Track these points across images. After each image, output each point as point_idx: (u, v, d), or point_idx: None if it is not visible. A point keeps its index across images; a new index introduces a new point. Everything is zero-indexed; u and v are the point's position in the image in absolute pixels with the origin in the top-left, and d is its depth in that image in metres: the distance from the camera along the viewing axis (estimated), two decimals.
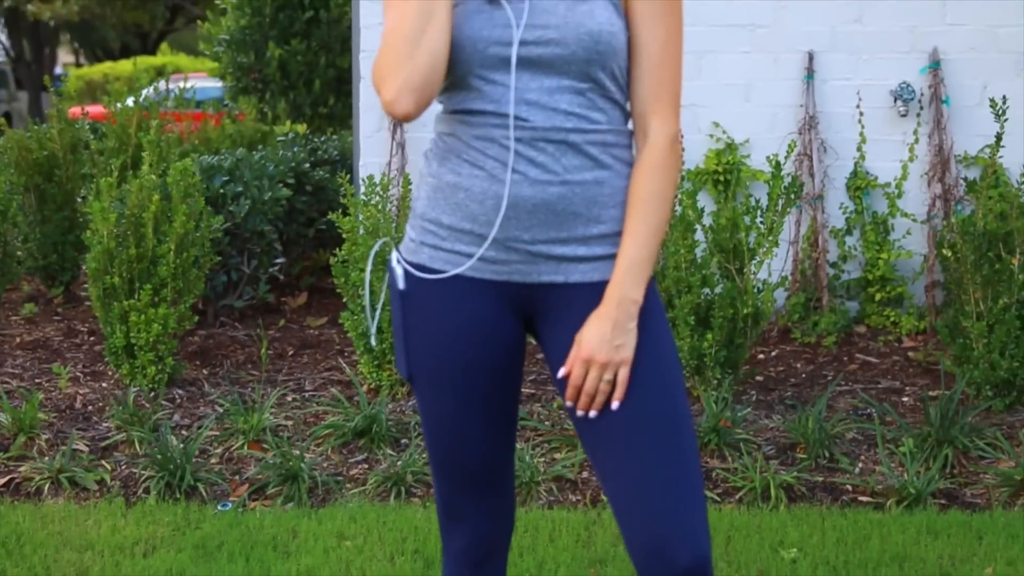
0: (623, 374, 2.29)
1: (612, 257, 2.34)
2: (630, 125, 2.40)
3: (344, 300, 5.47)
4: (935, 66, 6.59)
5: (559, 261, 2.33)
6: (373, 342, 2.54)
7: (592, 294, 2.33)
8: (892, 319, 6.51)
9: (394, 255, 2.44)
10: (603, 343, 2.28)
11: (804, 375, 5.80)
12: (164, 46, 33.11)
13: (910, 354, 6.09)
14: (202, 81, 17.36)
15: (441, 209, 2.35)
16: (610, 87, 2.33)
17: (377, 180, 5.54)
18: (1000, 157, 5.65)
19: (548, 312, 2.38)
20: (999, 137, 5.38)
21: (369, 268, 2.53)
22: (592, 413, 2.31)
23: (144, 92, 8.15)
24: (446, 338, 2.38)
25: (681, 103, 2.39)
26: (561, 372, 2.33)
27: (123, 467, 4.66)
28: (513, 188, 2.29)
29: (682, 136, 2.35)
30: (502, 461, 2.52)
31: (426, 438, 2.49)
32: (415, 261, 2.38)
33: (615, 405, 2.29)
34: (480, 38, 2.29)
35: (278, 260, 7.02)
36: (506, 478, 2.55)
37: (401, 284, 2.40)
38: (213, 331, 6.51)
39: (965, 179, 6.48)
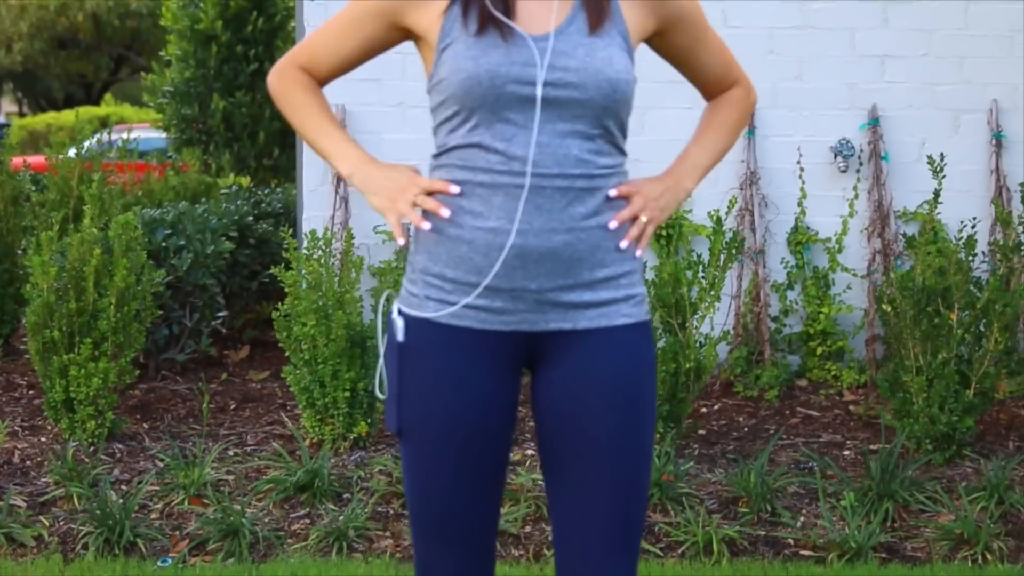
0: (649, 230, 2.41)
1: (618, 301, 2.36)
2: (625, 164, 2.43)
3: (287, 354, 5.45)
4: (874, 123, 6.67)
5: (566, 308, 2.34)
6: (379, 393, 2.50)
7: (598, 339, 2.35)
8: (833, 373, 6.56)
9: (395, 308, 2.40)
10: (656, 197, 2.43)
11: (746, 429, 5.83)
12: (108, 96, 32.95)
13: (851, 408, 6.13)
14: (146, 132, 17.31)
15: (444, 263, 2.33)
16: (616, 134, 2.36)
17: (320, 234, 5.54)
18: (938, 213, 5.72)
19: (552, 354, 2.38)
20: (937, 194, 5.45)
21: (379, 322, 2.50)
22: (639, 250, 2.41)
23: (87, 143, 8.12)
24: (443, 393, 2.35)
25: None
26: (613, 222, 2.36)
27: (61, 523, 4.61)
28: (519, 239, 2.28)
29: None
30: (486, 524, 2.46)
31: (408, 496, 2.45)
32: (420, 315, 2.35)
33: (638, 252, 2.41)
34: (498, 74, 2.27)
35: (220, 313, 6.98)
36: (489, 543, 2.48)
37: (400, 336, 2.37)
38: (154, 385, 6.46)
39: (904, 235, 6.55)
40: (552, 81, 2.28)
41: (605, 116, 2.31)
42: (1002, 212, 5.82)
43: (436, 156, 2.39)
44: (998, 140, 6.66)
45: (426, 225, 2.32)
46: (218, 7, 10.93)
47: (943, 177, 5.35)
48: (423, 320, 2.35)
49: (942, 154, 5.35)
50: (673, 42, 2.50)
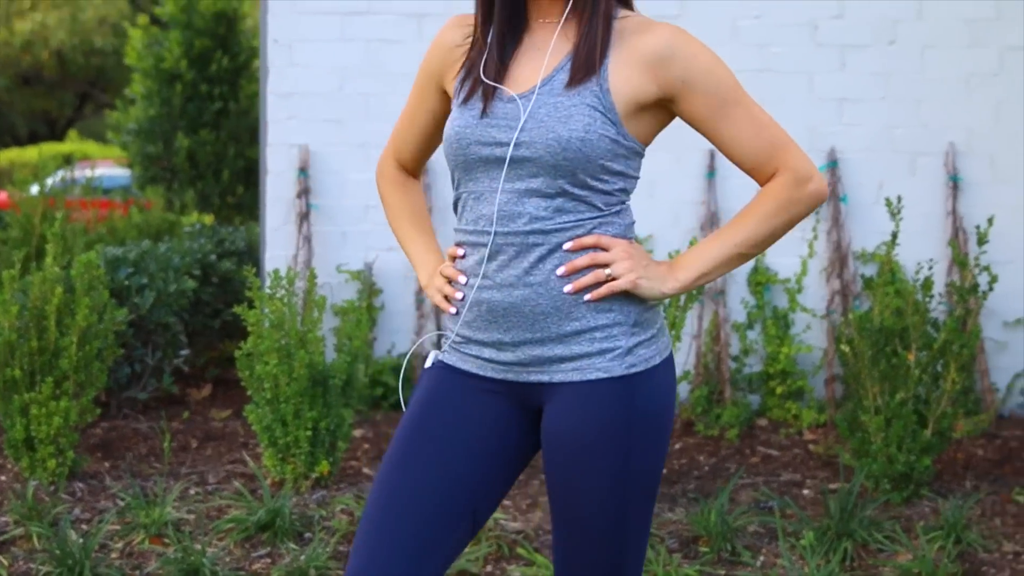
0: (609, 287, 2.34)
1: (592, 355, 2.36)
2: (619, 208, 2.41)
3: (249, 393, 5.45)
4: (833, 165, 6.75)
5: (541, 361, 2.39)
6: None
7: (574, 393, 2.38)
8: (793, 412, 6.61)
9: (433, 354, 2.56)
10: (638, 261, 2.37)
11: (707, 468, 5.86)
12: (73, 133, 32.86)
13: (811, 447, 6.17)
14: (110, 169, 17.29)
15: (451, 319, 2.49)
16: (580, 193, 2.34)
17: (283, 273, 5.55)
18: (896, 255, 5.78)
19: (542, 404, 2.43)
20: (894, 235, 5.51)
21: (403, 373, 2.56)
22: (566, 287, 2.35)
23: (50, 180, 8.12)
24: (454, 394, 2.47)
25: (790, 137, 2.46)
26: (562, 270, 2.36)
27: (20, 562, 4.59)
28: (484, 293, 2.39)
29: (814, 174, 2.46)
30: (438, 549, 2.42)
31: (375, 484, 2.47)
32: (439, 358, 2.53)
33: (587, 297, 2.35)
34: (464, 135, 2.38)
35: (183, 352, 6.98)
36: (435, 541, 2.42)
37: (428, 364, 2.54)
38: (116, 423, 6.45)
39: (863, 276, 6.62)
40: (508, 140, 2.33)
41: (558, 174, 2.31)
42: (959, 254, 5.89)
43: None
44: (955, 183, 6.75)
45: (452, 309, 2.47)
46: (183, 46, 10.98)
47: (900, 219, 5.42)
48: (441, 362, 2.52)
49: (899, 196, 5.42)
50: (688, 112, 2.38)
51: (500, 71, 2.40)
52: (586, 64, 2.33)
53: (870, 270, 6.73)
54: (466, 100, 2.40)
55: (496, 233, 2.35)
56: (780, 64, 6.79)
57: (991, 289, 5.39)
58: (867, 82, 6.80)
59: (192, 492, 5.35)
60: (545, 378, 2.39)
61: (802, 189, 2.41)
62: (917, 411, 5.29)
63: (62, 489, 5.29)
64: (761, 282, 6.78)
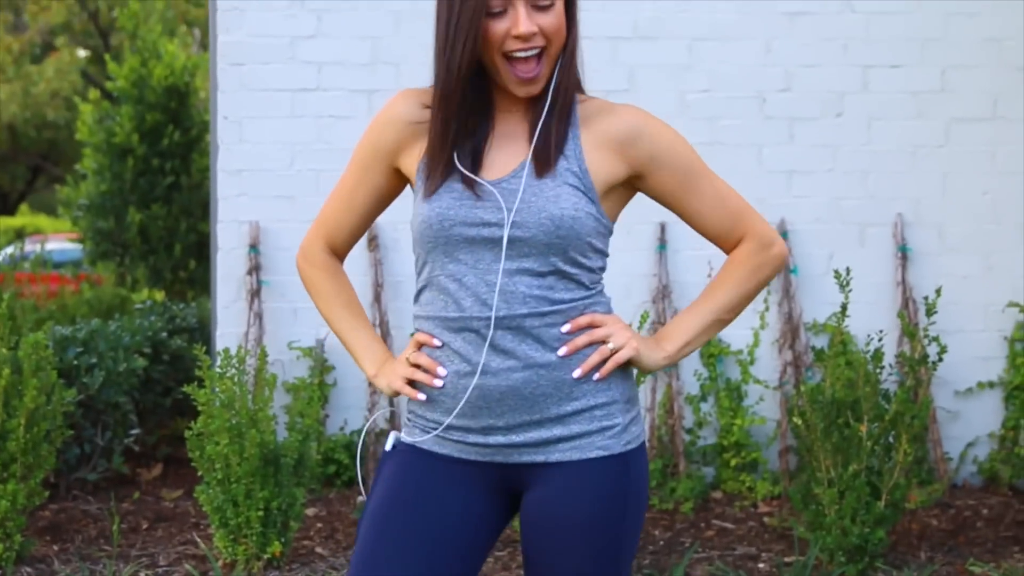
0: (615, 359, 2.37)
1: (592, 433, 2.37)
2: (600, 287, 2.45)
3: (199, 473, 5.39)
4: (783, 236, 6.79)
5: (537, 443, 2.37)
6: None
7: (573, 472, 2.37)
8: (748, 484, 6.60)
9: (393, 435, 2.50)
10: (628, 331, 2.41)
11: (662, 542, 5.84)
12: (24, 207, 32.74)
13: (765, 519, 6.16)
14: (61, 243, 17.21)
15: (424, 405, 2.44)
16: (570, 270, 2.37)
17: (234, 351, 5.51)
18: (846, 326, 5.81)
19: (529, 483, 2.41)
20: (844, 307, 5.53)
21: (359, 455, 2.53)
22: (575, 372, 2.36)
23: (1, 256, 8.06)
24: (416, 480, 2.43)
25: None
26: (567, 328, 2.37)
27: None
28: (479, 379, 2.34)
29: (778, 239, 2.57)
30: None
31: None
32: (408, 440, 2.46)
33: (596, 376, 2.37)
34: (447, 216, 2.35)
35: (133, 431, 6.91)
36: None
37: (388, 447, 2.48)
38: (65, 505, 6.37)
39: (814, 347, 6.64)
40: (497, 221, 2.33)
41: (551, 253, 2.34)
42: (908, 325, 5.93)
43: (415, 299, 2.50)
44: (903, 253, 6.80)
45: (421, 396, 2.43)
46: (134, 121, 10.98)
47: (850, 291, 5.44)
48: (409, 444, 2.46)
49: (848, 268, 5.45)
50: (655, 187, 2.46)
51: (475, 158, 2.39)
52: (558, 154, 2.38)
53: (822, 341, 6.76)
54: (440, 184, 2.38)
55: (495, 318, 2.33)
56: (729, 137, 6.84)
57: (940, 359, 5.41)
58: (815, 154, 6.86)
59: (142, 575, 5.28)
60: (540, 458, 2.38)
61: (767, 253, 2.52)
62: (870, 483, 5.30)
63: (10, 574, 5.21)
64: (714, 354, 6.80)
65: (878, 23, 6.85)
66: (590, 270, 2.40)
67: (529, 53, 2.34)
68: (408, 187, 2.57)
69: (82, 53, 25.99)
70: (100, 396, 6.41)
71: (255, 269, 6.78)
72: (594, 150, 2.41)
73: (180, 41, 18.13)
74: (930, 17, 6.86)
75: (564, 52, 2.41)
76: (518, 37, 2.33)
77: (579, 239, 2.35)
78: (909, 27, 6.85)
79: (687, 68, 6.84)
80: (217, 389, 5.42)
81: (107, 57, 12.55)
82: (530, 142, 2.40)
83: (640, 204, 2.57)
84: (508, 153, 2.40)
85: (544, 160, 2.36)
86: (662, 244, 6.79)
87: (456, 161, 2.38)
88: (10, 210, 33.00)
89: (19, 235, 23.28)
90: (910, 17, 6.85)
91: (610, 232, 2.45)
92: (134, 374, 6.73)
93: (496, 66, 2.37)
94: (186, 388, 5.51)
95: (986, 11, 6.86)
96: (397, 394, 2.49)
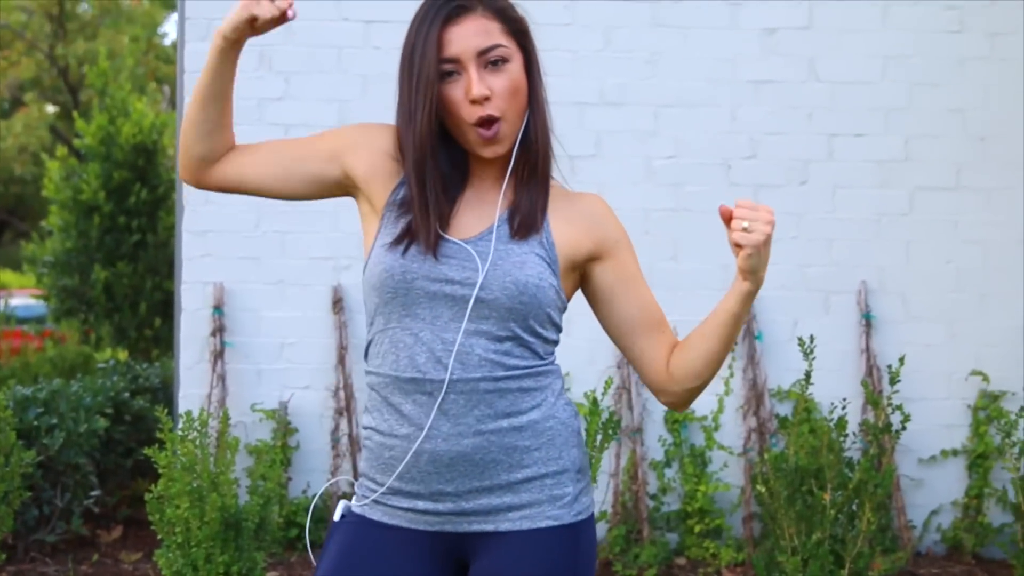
0: (737, 235, 2.32)
1: (542, 503, 2.34)
2: (554, 358, 2.42)
3: (159, 537, 5.33)
4: None
5: (487, 511, 2.33)
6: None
7: (522, 541, 2.33)
8: (712, 551, 6.58)
9: (342, 505, 2.45)
10: (766, 232, 2.34)
11: None
12: None
13: None
14: (25, 300, 17.12)
15: (375, 468, 2.39)
16: (528, 339, 2.34)
17: (196, 413, 5.47)
18: (810, 393, 5.81)
19: (479, 552, 2.37)
20: (808, 374, 5.54)
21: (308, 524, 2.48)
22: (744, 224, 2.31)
23: None
24: (373, 557, 2.38)
25: None
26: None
27: None
28: (428, 443, 2.31)
29: None
30: None
31: None
32: (355, 511, 2.42)
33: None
34: (410, 269, 2.32)
35: (93, 492, 6.84)
36: None
37: (337, 516, 2.43)
38: (22, 567, 6.29)
39: (778, 415, 6.65)
40: (461, 279, 2.31)
41: (511, 318, 2.32)
42: (871, 394, 5.93)
43: (364, 357, 2.45)
44: (867, 320, 6.83)
45: (291, 12, 2.31)
46: (101, 178, 10.96)
47: (813, 358, 5.45)
48: (359, 516, 2.41)
49: (812, 336, 5.46)
50: (613, 269, 2.45)
51: (445, 216, 2.37)
52: (530, 221, 2.37)
53: (786, 407, 6.76)
54: (403, 237, 2.34)
55: (449, 380, 2.30)
56: (695, 203, 6.87)
57: (904, 428, 5.42)
58: (780, 221, 6.88)
59: None
60: (490, 527, 2.34)
61: None
62: (834, 551, 5.28)
63: None
64: (678, 420, 6.79)
65: (843, 92, 6.92)
66: (545, 341, 2.38)
67: (488, 129, 2.34)
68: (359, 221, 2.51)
69: (51, 108, 25.97)
70: (60, 457, 6.35)
71: (219, 330, 6.75)
72: (563, 224, 2.41)
73: (150, 98, 18.17)
74: (894, 87, 6.93)
75: (531, 112, 2.41)
76: (473, 101, 2.33)
77: (540, 308, 2.33)
78: (873, 97, 6.91)
79: (653, 134, 6.88)
80: (179, 452, 5.38)
81: (75, 115, 12.55)
82: (503, 207, 2.40)
83: None
84: (477, 215, 2.39)
85: (516, 226, 2.36)
86: None
87: (437, 226, 2.35)
88: None
89: None
90: (874, 87, 6.92)
91: (565, 308, 2.43)
92: (95, 435, 6.68)
93: (460, 129, 2.37)
94: (147, 451, 5.45)
95: (949, 82, 6.93)
96: (250, 21, 2.31)
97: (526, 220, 2.38)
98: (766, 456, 5.44)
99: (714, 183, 6.88)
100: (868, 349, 6.82)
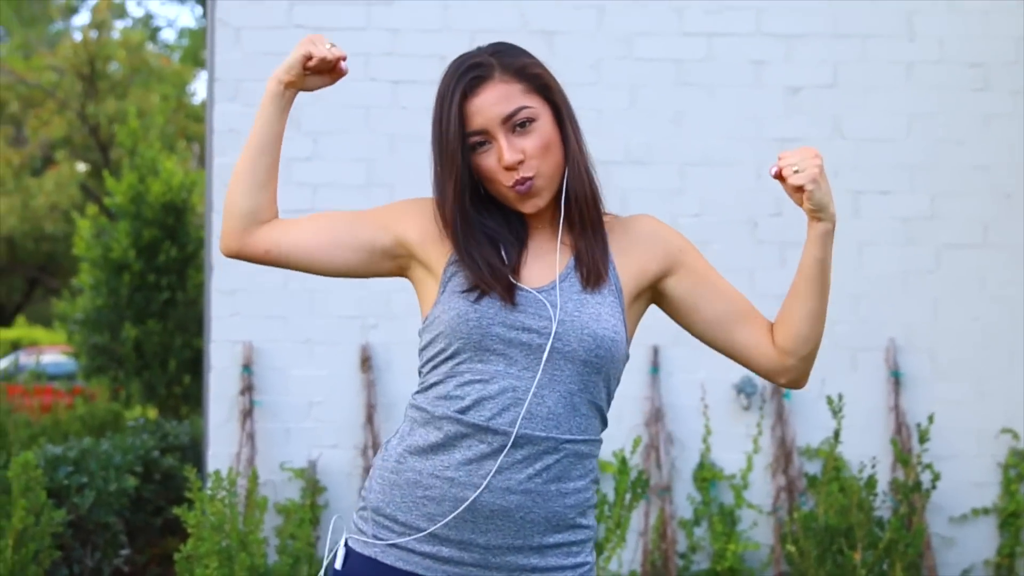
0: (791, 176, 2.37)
1: (565, 568, 2.32)
2: (604, 422, 2.41)
3: None
4: None
5: (511, 570, 2.30)
6: None
7: None
8: None
9: (343, 538, 2.39)
10: (817, 167, 2.40)
11: None
12: (21, 318, 32.78)
13: None
14: (56, 356, 17.21)
15: (397, 507, 2.32)
16: (598, 394, 2.34)
17: (225, 472, 5.50)
18: (839, 451, 5.80)
19: None
20: (836, 433, 5.53)
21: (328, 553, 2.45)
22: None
23: None
24: None
25: None
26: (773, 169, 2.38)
27: None
28: (468, 491, 2.27)
29: None
30: None
31: None
32: (364, 553, 2.34)
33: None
34: (486, 315, 2.30)
35: (123, 551, 6.86)
36: None
37: (338, 564, 2.36)
38: None
39: (807, 473, 6.62)
40: (539, 328, 2.30)
41: (586, 372, 2.31)
42: (900, 452, 5.92)
43: (415, 393, 2.39)
44: (896, 378, 6.81)
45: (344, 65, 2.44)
46: (131, 236, 11.05)
47: (842, 417, 5.45)
48: (366, 557, 2.34)
49: (840, 395, 5.46)
50: (687, 276, 2.47)
51: (515, 269, 2.37)
52: (596, 270, 2.37)
53: (815, 466, 6.74)
54: (475, 287, 2.33)
55: (503, 432, 2.27)
56: (721, 261, 6.74)
57: (934, 487, 5.40)
58: None
59: None
60: None
61: None
62: None
63: None
64: (707, 478, 6.77)
65: (867, 150, 6.94)
66: (609, 400, 2.39)
67: (526, 186, 2.35)
68: (411, 280, 2.49)
69: (81, 167, 26.20)
70: (90, 516, 6.38)
71: (248, 389, 6.77)
72: (621, 256, 2.43)
73: (179, 157, 18.33)
74: (919, 145, 6.94)
75: (571, 163, 2.41)
76: (507, 169, 2.34)
77: (614, 362, 2.34)
78: (899, 154, 6.93)
79: (679, 192, 6.91)
80: (208, 511, 5.40)
81: (106, 173, 12.67)
82: (565, 257, 2.40)
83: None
84: (543, 265, 2.39)
85: (587, 274, 2.36)
86: (655, 367, 6.79)
87: (509, 275, 2.34)
88: (6, 321, 33.04)
89: (15, 347, 23.31)
90: (899, 145, 6.94)
91: (627, 360, 2.44)
92: (125, 494, 6.71)
93: (500, 194, 2.38)
94: (176, 510, 5.48)
95: (974, 139, 6.94)
96: (304, 60, 2.41)
97: (593, 270, 2.37)
98: (796, 515, 5.44)
99: (740, 241, 6.90)
100: (897, 407, 6.80)
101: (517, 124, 2.36)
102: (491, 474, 2.26)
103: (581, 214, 2.41)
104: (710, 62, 6.97)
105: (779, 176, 2.36)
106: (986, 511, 6.83)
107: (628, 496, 5.47)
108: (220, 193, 6.89)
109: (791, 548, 5.40)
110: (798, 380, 2.52)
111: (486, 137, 2.36)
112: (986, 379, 6.89)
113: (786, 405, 6.79)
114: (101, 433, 8.88)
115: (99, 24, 25.07)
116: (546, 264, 2.40)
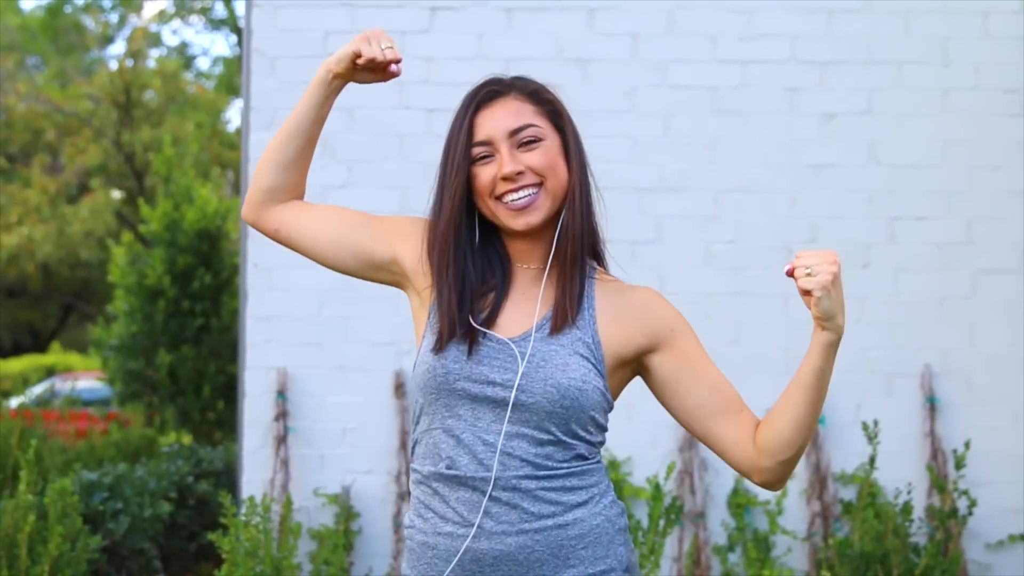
0: (802, 280, 2.26)
1: None
2: (599, 457, 2.38)
3: None
4: None
5: None
6: None
7: None
8: None
9: None
10: (832, 273, 2.25)
11: None
12: (56, 344, 32.96)
13: None
14: (91, 382, 17.28)
15: (415, 568, 2.36)
16: (569, 441, 2.31)
17: (259, 498, 5.50)
18: (875, 477, 5.77)
19: None
20: (872, 459, 5.51)
21: None
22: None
23: (36, 389, 8.10)
24: None
25: None
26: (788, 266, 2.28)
27: None
28: (472, 542, 2.27)
29: None
30: None
31: None
32: None
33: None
34: (451, 370, 2.30)
35: None
36: None
37: None
38: None
39: (842, 499, 6.59)
40: (503, 382, 2.29)
41: (552, 422, 2.28)
42: (936, 478, 5.88)
43: (411, 452, 2.43)
44: (932, 404, 6.78)
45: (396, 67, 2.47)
46: (165, 263, 11.10)
47: (878, 443, 5.42)
48: None
49: (876, 420, 5.43)
50: (673, 358, 2.41)
51: (492, 313, 2.36)
52: (563, 313, 2.34)
53: (850, 492, 6.70)
54: (448, 337, 2.33)
55: (483, 478, 2.27)
56: (755, 287, 6.87)
57: (971, 513, 5.37)
58: None
59: None
60: None
61: None
62: None
63: None
64: (741, 504, 6.75)
65: (903, 176, 6.92)
66: (589, 443, 2.35)
67: (521, 194, 2.34)
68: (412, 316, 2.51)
69: (117, 194, 26.36)
70: (125, 542, 6.41)
71: (282, 415, 6.80)
72: (610, 322, 2.38)
73: (214, 184, 18.42)
74: (954, 170, 6.92)
75: (570, 196, 2.38)
76: (505, 178, 2.33)
77: (583, 411, 2.30)
78: (934, 180, 6.91)
79: (713, 219, 6.90)
80: (242, 537, 5.41)
81: (141, 201, 12.75)
82: (547, 304, 2.37)
83: None
84: (522, 313, 2.37)
85: (558, 320, 2.34)
86: None
87: (472, 320, 2.34)
88: (42, 347, 33.23)
89: (50, 373, 23.43)
90: (935, 170, 6.92)
91: (611, 408, 2.39)
92: (159, 519, 6.73)
93: (493, 212, 2.36)
94: (211, 536, 5.49)
95: (1010, 165, 6.92)
96: (354, 56, 2.45)
97: (560, 312, 2.34)
98: (831, 541, 5.41)
99: (774, 267, 6.88)
100: (933, 433, 6.76)
101: (523, 141, 2.36)
102: (477, 523, 2.27)
103: (572, 252, 2.38)
104: (744, 89, 6.97)
105: (791, 275, 2.28)
106: (1023, 537, 6.78)
107: (662, 522, 5.45)
108: None
109: (826, 575, 5.37)
110: (773, 483, 2.42)
111: (490, 149, 2.36)
112: (1022, 404, 6.85)
113: (821, 431, 6.77)
114: (136, 459, 8.91)
115: (135, 53, 25.26)
116: (523, 313, 2.38)
